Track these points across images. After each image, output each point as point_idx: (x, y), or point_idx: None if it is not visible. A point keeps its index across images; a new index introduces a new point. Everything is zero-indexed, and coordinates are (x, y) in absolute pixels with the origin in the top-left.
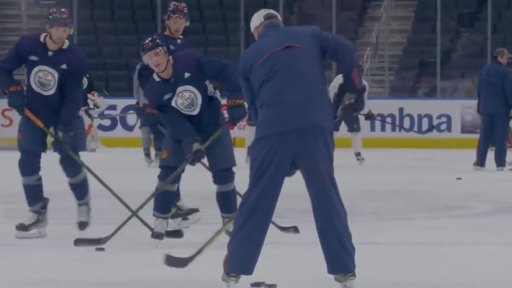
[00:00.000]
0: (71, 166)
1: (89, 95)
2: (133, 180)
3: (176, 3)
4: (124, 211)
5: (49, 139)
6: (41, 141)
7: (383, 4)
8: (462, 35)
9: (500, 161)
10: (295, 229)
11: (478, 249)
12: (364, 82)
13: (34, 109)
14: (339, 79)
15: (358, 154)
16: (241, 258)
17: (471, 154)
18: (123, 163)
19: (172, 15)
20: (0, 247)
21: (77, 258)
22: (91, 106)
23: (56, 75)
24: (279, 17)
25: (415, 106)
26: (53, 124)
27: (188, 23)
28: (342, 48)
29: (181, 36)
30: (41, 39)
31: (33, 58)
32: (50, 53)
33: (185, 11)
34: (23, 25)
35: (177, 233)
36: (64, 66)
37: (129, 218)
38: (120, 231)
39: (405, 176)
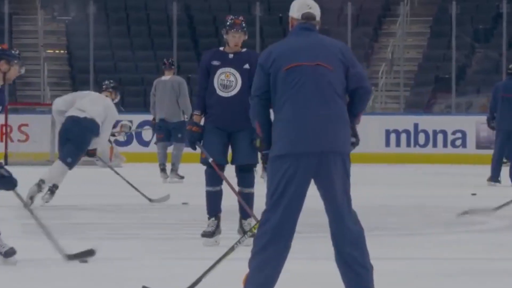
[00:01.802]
0: None
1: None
2: (149, 195)
3: (234, 17)
4: (142, 226)
5: None
6: None
7: (398, 20)
8: (477, 51)
9: None
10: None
11: (495, 264)
12: None
13: None
14: None
15: None
16: (262, 280)
17: (486, 170)
18: (138, 178)
19: (230, 29)
20: (19, 262)
21: (90, 273)
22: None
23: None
24: (318, 18)
25: (430, 122)
26: None
27: (246, 37)
28: (364, 96)
29: (243, 50)
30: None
31: None
32: None
33: (243, 24)
34: (39, 40)
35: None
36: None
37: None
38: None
39: (421, 192)
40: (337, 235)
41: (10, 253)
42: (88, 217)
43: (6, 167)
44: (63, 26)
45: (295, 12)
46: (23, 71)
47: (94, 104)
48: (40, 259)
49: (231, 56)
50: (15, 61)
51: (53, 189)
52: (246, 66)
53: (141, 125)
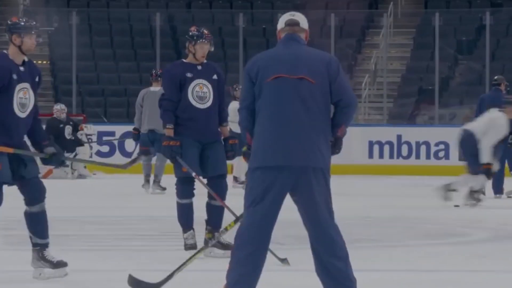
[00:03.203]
0: (41, 188)
1: (80, 131)
2: (133, 206)
3: (201, 29)
4: (125, 237)
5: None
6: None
7: (381, 31)
8: (460, 62)
9: (498, 189)
10: (286, 261)
11: (477, 276)
12: None
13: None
14: None
15: None
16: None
17: None
18: (121, 189)
19: (198, 40)
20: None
21: (73, 285)
22: (85, 139)
23: (31, 92)
24: (302, 25)
25: (413, 134)
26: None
27: (212, 49)
28: (345, 109)
29: (205, 61)
30: (10, 56)
31: (14, 76)
32: (21, 68)
33: (210, 35)
34: None
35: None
36: (37, 79)
37: None
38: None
39: (403, 203)
40: (321, 247)
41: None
42: (69, 228)
43: None
44: (45, 37)
45: (280, 23)
46: (40, 40)
47: None
48: (21, 271)
49: (199, 67)
50: (27, 32)
51: None
52: (215, 76)
53: (124, 135)
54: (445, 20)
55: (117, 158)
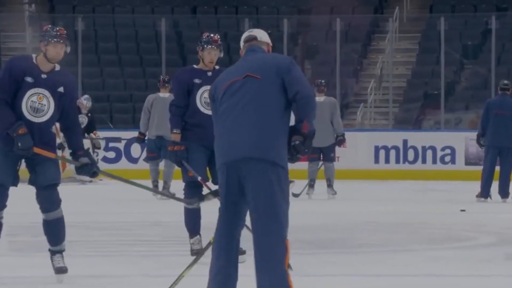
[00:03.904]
0: (54, 198)
1: (88, 136)
2: (139, 212)
3: (210, 34)
4: (130, 243)
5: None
6: (14, 174)
7: (387, 36)
8: (466, 67)
9: (505, 193)
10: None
11: (482, 281)
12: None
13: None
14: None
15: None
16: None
17: (475, 186)
18: (128, 195)
19: (206, 46)
20: (4, 279)
21: None
22: (90, 146)
23: (51, 100)
24: (262, 38)
25: (419, 138)
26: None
27: (222, 54)
28: (301, 101)
29: (216, 67)
30: (34, 60)
31: (28, 79)
32: (43, 76)
33: (219, 42)
34: None
35: None
36: (61, 89)
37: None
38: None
39: (409, 208)
40: (257, 250)
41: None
42: (74, 234)
43: None
44: None
45: (241, 43)
46: (68, 50)
47: None
48: (26, 277)
49: (209, 74)
50: (50, 40)
51: None
52: None
53: (130, 142)
54: (451, 25)
55: (123, 164)
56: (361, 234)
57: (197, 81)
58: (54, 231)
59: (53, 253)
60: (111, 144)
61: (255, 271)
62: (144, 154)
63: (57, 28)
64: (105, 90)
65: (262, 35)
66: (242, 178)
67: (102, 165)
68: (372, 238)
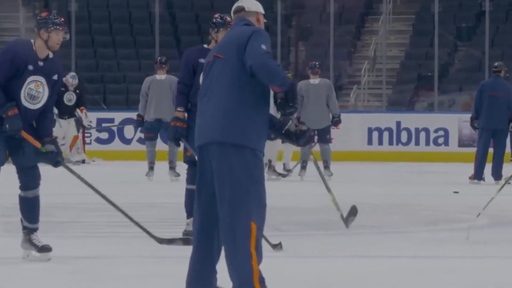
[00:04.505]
0: (36, 175)
1: (77, 114)
2: (133, 193)
3: (224, 15)
4: (123, 224)
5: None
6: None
7: (381, 18)
8: (459, 49)
9: (498, 175)
10: (280, 246)
11: (477, 262)
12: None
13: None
14: None
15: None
16: (195, 275)
17: (469, 168)
18: (121, 177)
19: (221, 28)
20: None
21: (72, 271)
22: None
23: (46, 87)
24: (250, 8)
25: (412, 120)
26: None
27: None
28: (258, 73)
29: None
30: (33, 47)
31: (30, 67)
32: (40, 63)
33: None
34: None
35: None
36: (55, 77)
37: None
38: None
39: (404, 190)
40: (220, 232)
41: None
42: (69, 215)
43: None
44: None
45: (231, 13)
46: (67, 37)
47: None
48: (19, 257)
49: None
50: (53, 28)
51: None
52: None
53: (123, 122)
54: (445, 7)
55: (116, 145)
56: (357, 216)
57: (202, 60)
58: (34, 209)
59: (30, 231)
60: (104, 125)
61: (225, 256)
62: (138, 135)
63: (58, 16)
64: (98, 71)
65: (249, 4)
66: (210, 162)
67: (95, 146)
68: (367, 220)
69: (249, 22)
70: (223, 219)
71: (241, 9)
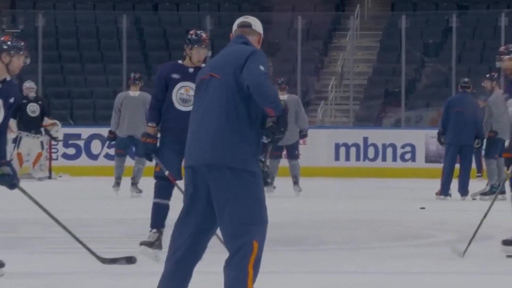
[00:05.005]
0: None
1: (44, 126)
2: (100, 209)
3: (199, 32)
4: (91, 240)
5: None
6: None
7: (348, 34)
8: (427, 65)
9: (465, 191)
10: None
11: (443, 278)
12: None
13: None
14: None
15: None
16: None
17: (435, 184)
18: (88, 192)
19: (195, 45)
20: None
21: (39, 286)
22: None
23: (2, 110)
24: (256, 27)
25: (380, 136)
26: None
27: (210, 53)
28: (254, 94)
29: (202, 65)
30: None
31: None
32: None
33: (208, 40)
34: None
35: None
36: (12, 100)
37: None
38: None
39: (371, 206)
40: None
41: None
42: (32, 231)
43: None
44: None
45: (234, 26)
46: (27, 61)
47: None
48: None
49: (191, 70)
50: (16, 52)
51: None
52: None
53: (90, 137)
54: (412, 23)
55: (83, 160)
56: (322, 232)
57: (175, 76)
58: None
59: None
60: (70, 141)
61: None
62: (105, 151)
63: (16, 40)
64: (65, 86)
65: (256, 24)
66: (205, 182)
67: (62, 162)
68: (333, 236)
69: (248, 41)
70: (225, 237)
71: (247, 25)
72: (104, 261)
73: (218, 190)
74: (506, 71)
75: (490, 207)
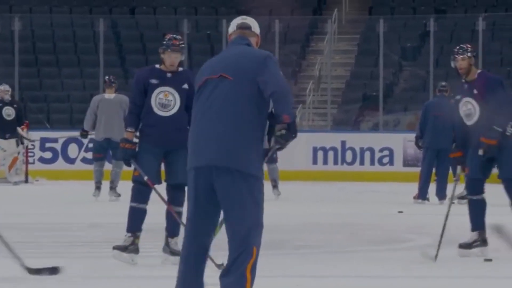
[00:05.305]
0: None
1: (20, 131)
2: (77, 213)
3: (173, 36)
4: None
5: None
6: None
7: (326, 37)
8: (404, 69)
9: (442, 195)
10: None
11: (421, 282)
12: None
13: None
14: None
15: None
16: None
17: (413, 188)
18: (65, 196)
19: (167, 49)
20: None
21: None
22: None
23: None
24: (255, 28)
25: (357, 140)
26: None
27: (183, 57)
28: (279, 100)
29: (180, 69)
30: None
31: None
32: None
33: (181, 45)
34: None
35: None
36: None
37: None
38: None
39: (349, 209)
40: (230, 257)
41: None
42: (9, 235)
43: None
44: None
45: (231, 27)
46: None
47: None
48: None
49: (169, 75)
50: None
51: None
52: (185, 86)
53: (67, 142)
54: (390, 27)
55: (60, 164)
56: (300, 236)
57: (153, 81)
58: None
59: None
60: (47, 144)
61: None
62: (81, 155)
63: None
64: (42, 90)
65: (255, 25)
66: (213, 185)
67: (38, 166)
68: (312, 240)
69: (249, 42)
70: (229, 238)
71: (247, 27)
72: (30, 271)
73: (226, 193)
74: (460, 70)
75: (448, 211)
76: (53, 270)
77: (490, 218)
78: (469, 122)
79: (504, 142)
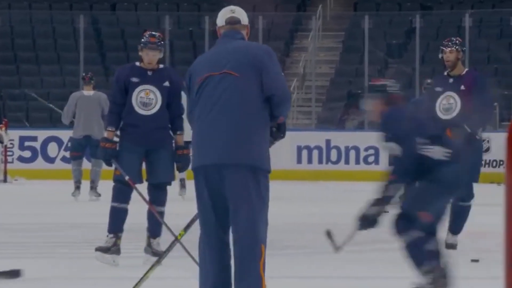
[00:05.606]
0: None
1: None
2: (58, 213)
3: (151, 34)
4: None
5: None
6: None
7: (310, 34)
8: (390, 66)
9: None
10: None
11: (405, 282)
12: None
13: None
14: None
15: None
16: None
17: None
18: (44, 197)
19: (144, 46)
20: None
21: None
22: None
23: None
24: (244, 21)
25: (342, 138)
26: None
27: (161, 55)
28: (278, 103)
29: (161, 66)
30: None
31: None
32: None
33: (159, 43)
34: None
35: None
36: None
37: None
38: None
39: (333, 209)
40: (234, 254)
41: None
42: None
43: None
44: None
45: (220, 20)
46: None
47: None
48: None
49: (150, 73)
50: None
51: None
52: (166, 83)
53: (47, 140)
54: (375, 23)
55: (40, 163)
56: (285, 236)
57: (134, 79)
58: None
59: None
60: (26, 143)
61: (234, 276)
62: (61, 154)
63: None
64: (21, 88)
65: (244, 17)
66: (221, 182)
67: (17, 165)
68: (296, 239)
69: (243, 36)
70: (236, 240)
71: (237, 22)
72: None
73: (235, 190)
74: (447, 63)
75: None
76: (13, 273)
77: (480, 218)
78: (445, 116)
79: (472, 144)
